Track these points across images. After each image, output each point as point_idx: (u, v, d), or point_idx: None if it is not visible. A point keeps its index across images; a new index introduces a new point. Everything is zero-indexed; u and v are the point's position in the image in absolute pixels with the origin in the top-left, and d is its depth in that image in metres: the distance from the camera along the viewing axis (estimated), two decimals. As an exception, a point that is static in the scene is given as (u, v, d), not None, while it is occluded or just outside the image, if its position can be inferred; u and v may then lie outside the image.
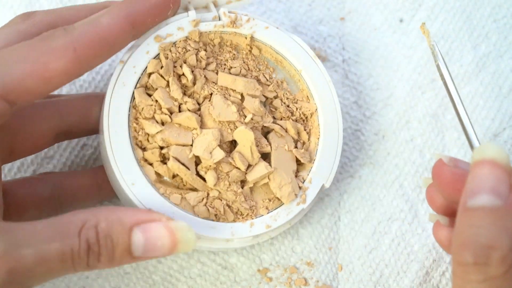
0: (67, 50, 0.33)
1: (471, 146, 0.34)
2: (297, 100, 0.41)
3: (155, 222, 0.33)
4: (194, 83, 0.39)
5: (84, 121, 0.39)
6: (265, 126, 0.40)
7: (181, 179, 0.38)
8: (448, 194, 0.34)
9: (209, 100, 0.39)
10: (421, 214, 0.43)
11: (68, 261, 0.31)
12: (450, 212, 0.35)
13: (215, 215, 0.38)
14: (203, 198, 0.38)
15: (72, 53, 0.33)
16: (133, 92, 0.37)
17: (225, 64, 0.40)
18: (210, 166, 0.38)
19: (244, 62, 0.40)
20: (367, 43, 0.46)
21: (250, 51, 0.41)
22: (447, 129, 0.45)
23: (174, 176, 0.38)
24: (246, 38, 0.40)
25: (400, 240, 0.43)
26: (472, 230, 0.28)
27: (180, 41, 0.39)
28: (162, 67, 0.38)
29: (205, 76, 0.39)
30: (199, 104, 0.39)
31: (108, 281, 0.42)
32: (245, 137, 0.39)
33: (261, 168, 0.39)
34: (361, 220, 0.43)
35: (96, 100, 0.39)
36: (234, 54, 0.40)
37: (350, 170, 0.44)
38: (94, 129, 0.39)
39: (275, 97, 0.41)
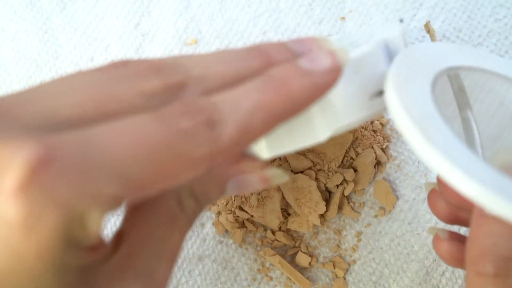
0: (204, 161, 0.24)
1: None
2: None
3: (249, 175, 0.29)
4: None
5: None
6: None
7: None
8: (453, 199, 0.33)
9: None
10: (421, 214, 0.43)
11: (188, 226, 0.28)
12: (452, 218, 0.34)
13: None
14: None
15: (207, 165, 0.25)
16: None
17: None
18: None
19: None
20: (367, 42, 0.46)
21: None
22: (447, 129, 0.45)
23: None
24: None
25: (400, 240, 0.43)
26: (491, 239, 0.27)
27: None
28: None
29: None
30: None
31: (109, 281, 0.42)
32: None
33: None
34: (361, 220, 0.43)
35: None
36: None
37: (350, 170, 0.45)
38: None
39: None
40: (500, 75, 0.32)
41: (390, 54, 0.29)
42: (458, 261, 0.33)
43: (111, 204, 0.22)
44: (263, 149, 0.29)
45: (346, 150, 0.43)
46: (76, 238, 0.22)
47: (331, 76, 0.26)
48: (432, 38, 0.36)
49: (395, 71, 0.27)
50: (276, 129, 0.26)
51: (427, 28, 0.36)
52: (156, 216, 0.27)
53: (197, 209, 0.28)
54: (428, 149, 0.25)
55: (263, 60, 0.27)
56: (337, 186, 0.42)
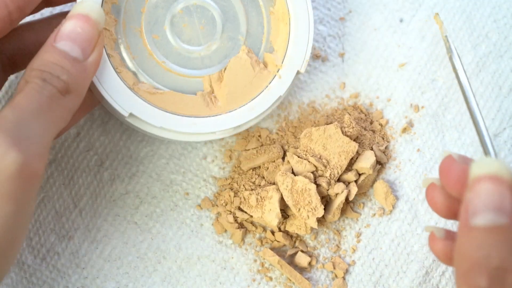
0: None
1: (481, 141, 0.33)
2: None
3: (62, 24, 0.35)
4: None
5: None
6: None
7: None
8: (456, 192, 0.32)
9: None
10: (421, 214, 0.43)
11: (45, 100, 0.33)
12: (451, 213, 0.34)
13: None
14: None
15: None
16: None
17: None
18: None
19: None
20: (367, 43, 0.46)
21: None
22: (447, 129, 0.45)
23: None
24: None
25: (400, 240, 0.43)
26: (481, 251, 0.27)
27: None
28: None
29: None
30: None
31: (108, 281, 0.42)
32: None
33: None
34: (361, 220, 0.43)
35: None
36: None
37: (350, 170, 0.45)
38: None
39: None
40: None
41: None
42: (453, 261, 0.33)
43: None
44: None
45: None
46: None
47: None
48: (441, 30, 0.36)
49: None
50: None
51: (436, 19, 0.37)
52: None
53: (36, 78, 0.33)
54: None
55: None
56: (337, 194, 0.42)
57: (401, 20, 0.46)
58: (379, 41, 0.46)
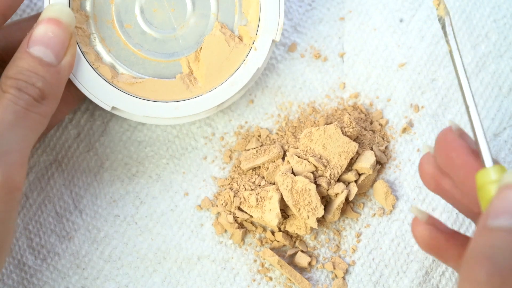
0: None
1: (475, 136, 0.33)
2: None
3: (34, 29, 0.36)
4: None
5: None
6: None
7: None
8: (440, 158, 0.34)
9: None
10: (420, 214, 0.43)
11: (21, 110, 0.34)
12: (434, 185, 0.35)
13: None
14: None
15: None
16: None
17: None
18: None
19: None
20: (366, 43, 0.46)
21: None
22: (447, 129, 0.45)
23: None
24: None
25: (400, 240, 0.43)
26: (491, 250, 0.27)
27: None
28: None
29: None
30: None
31: (108, 281, 0.42)
32: None
33: None
34: (361, 220, 0.43)
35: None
36: None
37: (350, 170, 0.45)
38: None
39: None
40: None
41: None
42: (430, 247, 0.34)
43: None
44: None
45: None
46: None
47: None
48: (442, 9, 0.36)
49: None
50: None
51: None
52: None
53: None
54: None
55: None
56: (337, 194, 0.42)
57: (401, 20, 0.46)
58: (379, 41, 0.46)
